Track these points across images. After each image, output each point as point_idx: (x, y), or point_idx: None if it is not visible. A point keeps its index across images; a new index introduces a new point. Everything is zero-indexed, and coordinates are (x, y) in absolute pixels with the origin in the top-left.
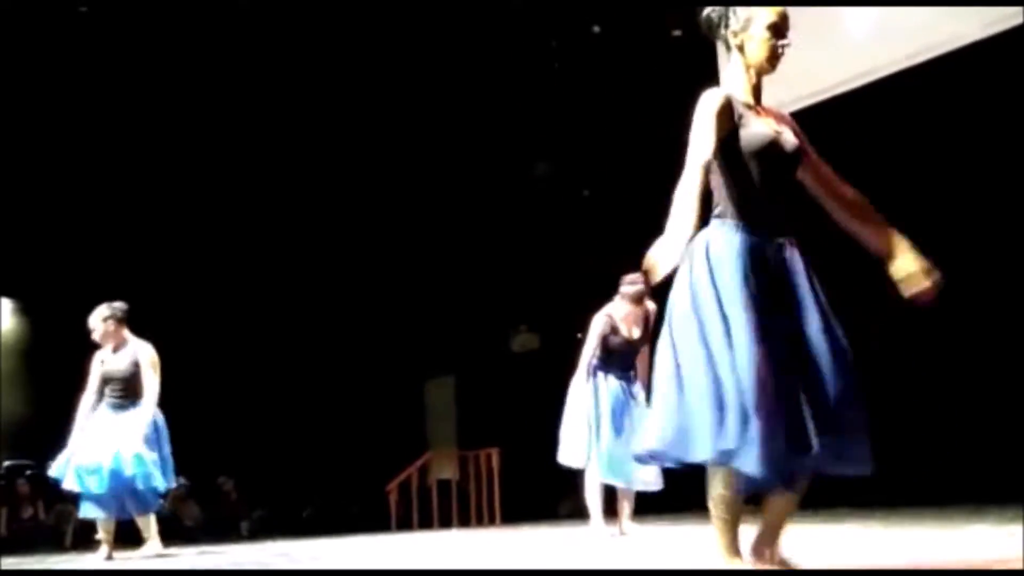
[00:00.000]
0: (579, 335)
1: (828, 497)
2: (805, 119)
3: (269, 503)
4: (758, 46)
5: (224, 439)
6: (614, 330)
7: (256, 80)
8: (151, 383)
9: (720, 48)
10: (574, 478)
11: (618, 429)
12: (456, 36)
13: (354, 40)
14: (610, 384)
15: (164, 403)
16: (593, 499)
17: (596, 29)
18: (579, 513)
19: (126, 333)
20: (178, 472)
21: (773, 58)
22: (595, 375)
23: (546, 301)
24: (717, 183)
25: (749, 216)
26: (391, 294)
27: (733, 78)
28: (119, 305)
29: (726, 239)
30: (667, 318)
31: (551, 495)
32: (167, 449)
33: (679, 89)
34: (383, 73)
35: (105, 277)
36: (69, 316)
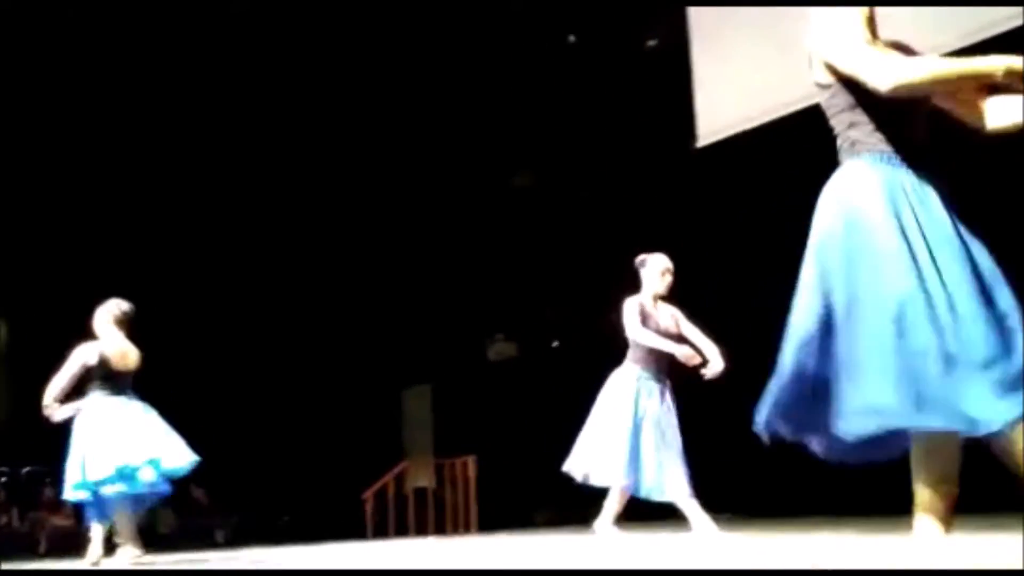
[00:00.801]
0: (555, 344)
1: (802, 505)
2: (789, 127)
3: (244, 511)
4: None
5: (197, 446)
6: (646, 316)
7: (231, 102)
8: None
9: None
10: (550, 487)
11: (658, 444)
12: (430, 47)
13: (328, 55)
14: (650, 392)
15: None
16: (613, 502)
17: (571, 39)
18: (555, 521)
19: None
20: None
21: None
22: (637, 380)
23: (523, 310)
24: (847, 108)
25: (898, 141)
26: (368, 302)
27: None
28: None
29: (882, 174)
30: (842, 262)
31: (527, 503)
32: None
33: (653, 98)
34: (360, 86)
35: (81, 283)
36: (42, 322)
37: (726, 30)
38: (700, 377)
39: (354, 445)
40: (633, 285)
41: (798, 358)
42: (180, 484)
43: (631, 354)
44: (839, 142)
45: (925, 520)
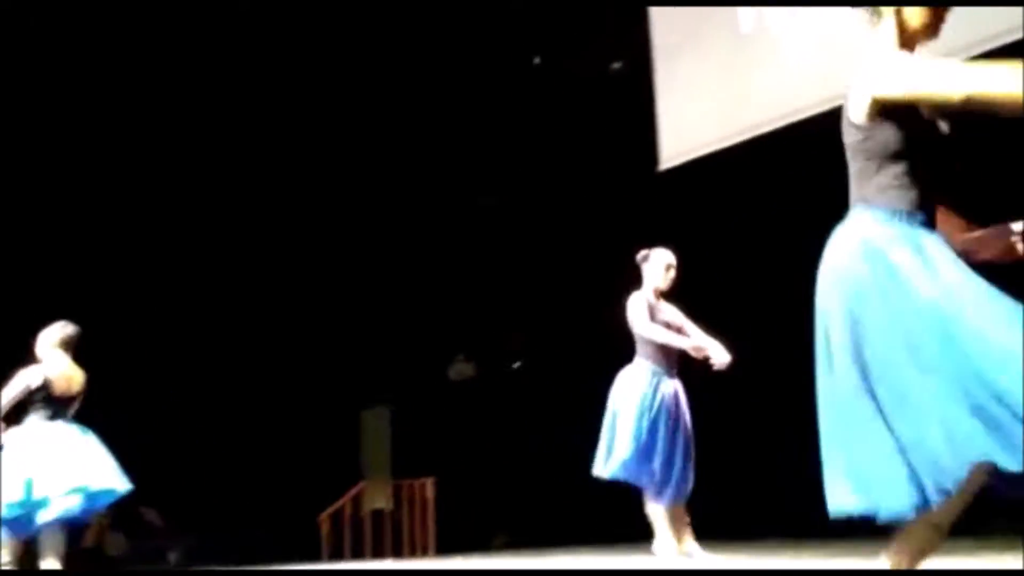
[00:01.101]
0: (515, 365)
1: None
2: (751, 151)
3: (198, 532)
4: (919, 12)
5: (148, 466)
6: (652, 312)
7: (184, 136)
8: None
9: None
10: (509, 510)
11: (674, 446)
12: (395, 67)
13: (293, 78)
14: (665, 386)
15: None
16: (657, 515)
17: (536, 61)
18: (513, 545)
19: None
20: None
21: (935, 26)
22: (651, 375)
23: (483, 330)
24: (876, 156)
25: (917, 201)
26: (328, 321)
27: (885, 47)
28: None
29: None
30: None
31: (486, 526)
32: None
33: (617, 121)
34: (323, 108)
35: (26, 298)
36: None
37: (689, 54)
38: (709, 369)
39: (310, 466)
40: (590, 306)
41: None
42: (131, 506)
43: (640, 349)
44: (857, 189)
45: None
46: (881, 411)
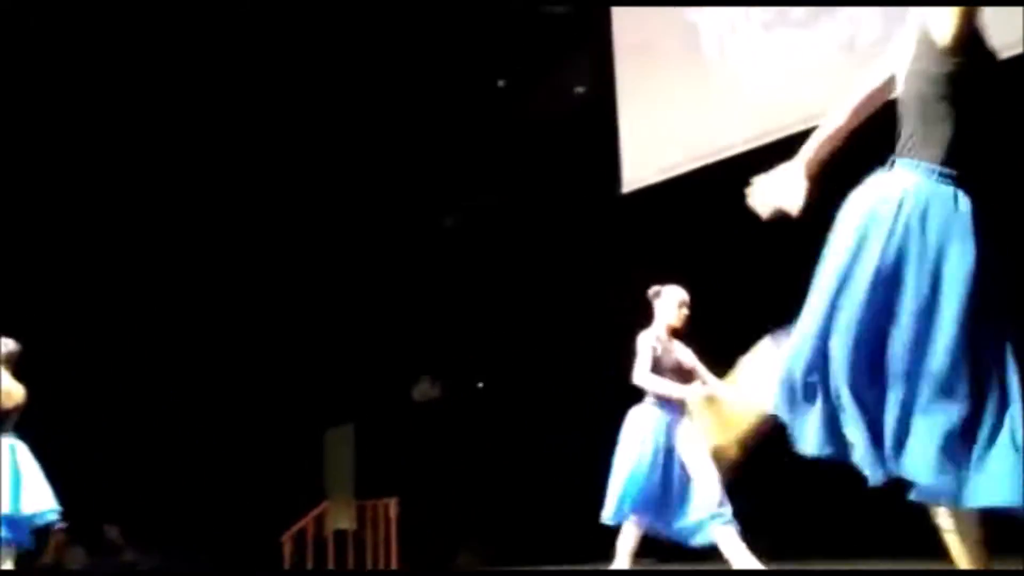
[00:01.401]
0: (480, 385)
1: None
2: (709, 177)
3: (161, 551)
4: None
5: (111, 483)
6: (659, 355)
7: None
8: None
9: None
10: (473, 530)
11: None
12: (360, 86)
13: (259, 94)
14: (670, 428)
15: (43, 443)
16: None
17: (501, 83)
18: (477, 565)
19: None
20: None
21: None
22: (659, 422)
23: (448, 350)
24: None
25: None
26: (291, 340)
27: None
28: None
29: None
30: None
31: (449, 546)
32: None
33: (581, 143)
34: (289, 125)
35: None
36: None
37: (652, 79)
38: None
39: (274, 485)
40: (554, 326)
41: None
42: (93, 522)
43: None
44: (909, 137)
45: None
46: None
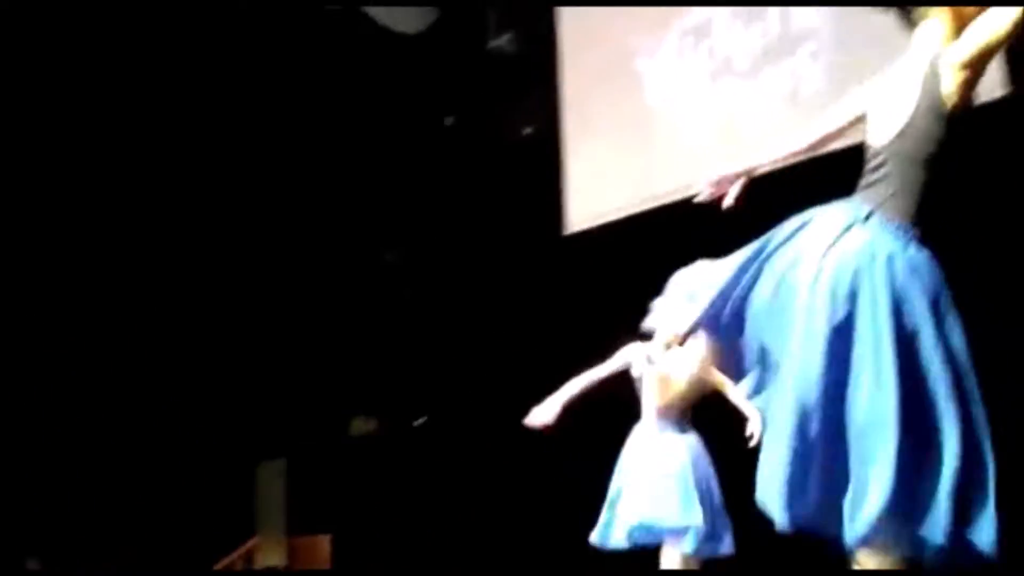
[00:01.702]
0: (418, 421)
1: None
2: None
3: None
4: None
5: (32, 514)
6: (656, 363)
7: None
8: None
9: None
10: (407, 568)
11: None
12: (305, 117)
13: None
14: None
15: None
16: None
17: (448, 121)
18: None
19: None
20: None
21: None
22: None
23: (387, 386)
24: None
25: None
26: (225, 370)
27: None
28: None
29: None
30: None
31: None
32: None
33: (525, 185)
34: (235, 154)
35: None
36: None
37: (598, 122)
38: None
39: (203, 519)
40: (494, 364)
41: None
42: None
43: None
44: (887, 191)
45: None
46: None
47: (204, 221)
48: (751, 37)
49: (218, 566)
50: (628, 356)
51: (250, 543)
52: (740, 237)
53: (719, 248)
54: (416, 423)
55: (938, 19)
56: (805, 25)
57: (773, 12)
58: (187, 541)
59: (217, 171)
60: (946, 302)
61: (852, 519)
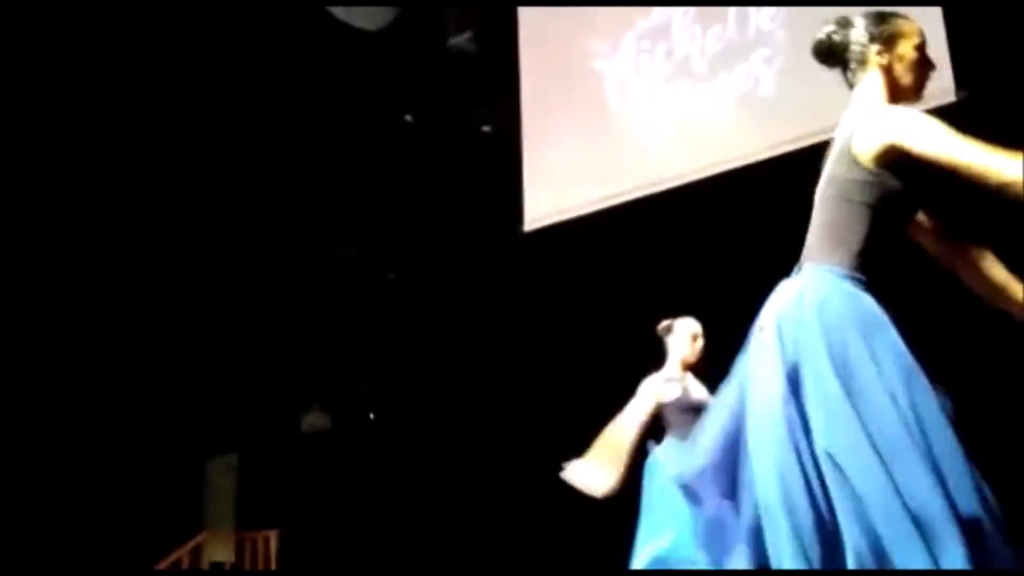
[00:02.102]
0: (371, 417)
1: None
2: (604, 221)
3: None
4: (910, 69)
5: None
6: (684, 390)
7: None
8: None
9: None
10: (355, 566)
11: None
12: (261, 112)
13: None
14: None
15: None
16: None
17: (408, 118)
18: None
19: None
20: None
21: (921, 87)
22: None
23: (341, 382)
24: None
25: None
26: (178, 363)
27: (875, 101)
28: None
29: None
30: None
31: None
32: None
33: (484, 179)
34: (186, 149)
35: None
36: None
37: (557, 120)
38: None
39: (151, 514)
40: (447, 361)
41: None
42: None
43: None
44: (819, 240)
45: None
46: None
47: (155, 214)
48: (708, 41)
49: (165, 561)
50: (653, 387)
51: (198, 538)
52: (697, 237)
53: (674, 247)
54: (370, 419)
55: (877, 75)
56: (761, 30)
57: (731, 16)
58: (135, 536)
59: (170, 165)
60: (883, 332)
61: None
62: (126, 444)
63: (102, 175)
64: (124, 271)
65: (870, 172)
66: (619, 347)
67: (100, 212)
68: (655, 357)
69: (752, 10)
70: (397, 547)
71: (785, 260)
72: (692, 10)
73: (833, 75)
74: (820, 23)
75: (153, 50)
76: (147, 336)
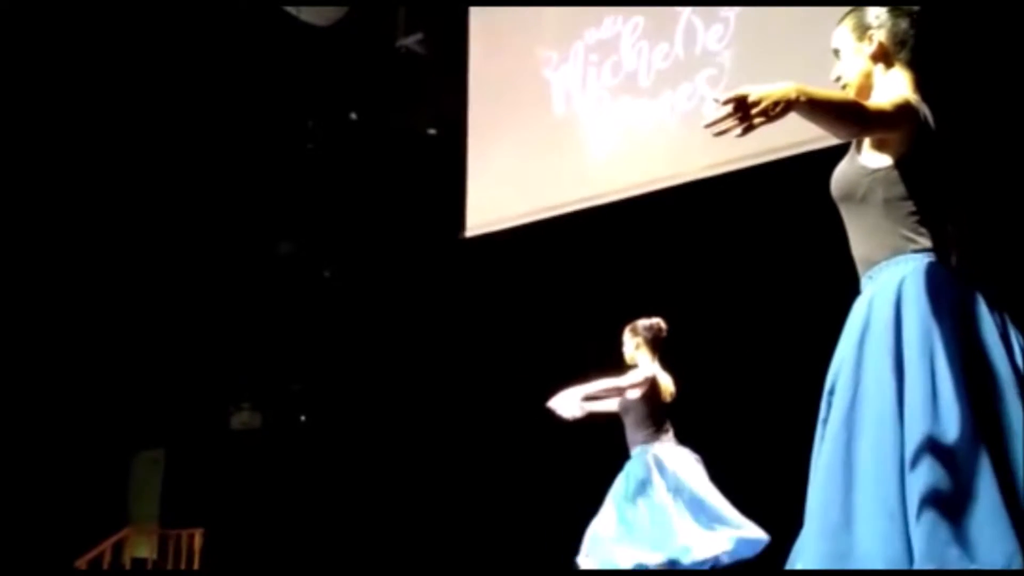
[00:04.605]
0: (303, 417)
1: None
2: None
3: None
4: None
5: None
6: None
7: None
8: None
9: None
10: (280, 566)
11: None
12: (202, 106)
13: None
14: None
15: None
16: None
17: (353, 116)
18: None
19: None
20: None
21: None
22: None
23: (272, 380)
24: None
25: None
26: (106, 356)
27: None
28: None
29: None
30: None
31: None
32: None
33: (427, 182)
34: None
35: None
36: None
37: (502, 127)
38: None
39: (74, 508)
40: (383, 363)
41: None
42: None
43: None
44: (885, 237)
45: None
46: None
47: (89, 209)
48: (655, 57)
49: (86, 556)
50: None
51: (121, 533)
52: (634, 250)
53: (617, 259)
54: (301, 419)
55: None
56: (708, 50)
57: (678, 35)
58: (56, 530)
59: (107, 159)
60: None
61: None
62: (50, 435)
63: (30, 170)
64: (51, 265)
65: (881, 169)
66: (550, 354)
67: (28, 206)
68: (585, 365)
69: (700, 30)
70: (324, 548)
71: (718, 273)
72: (641, 26)
73: None
74: (765, 47)
75: (93, 45)
76: (75, 327)
